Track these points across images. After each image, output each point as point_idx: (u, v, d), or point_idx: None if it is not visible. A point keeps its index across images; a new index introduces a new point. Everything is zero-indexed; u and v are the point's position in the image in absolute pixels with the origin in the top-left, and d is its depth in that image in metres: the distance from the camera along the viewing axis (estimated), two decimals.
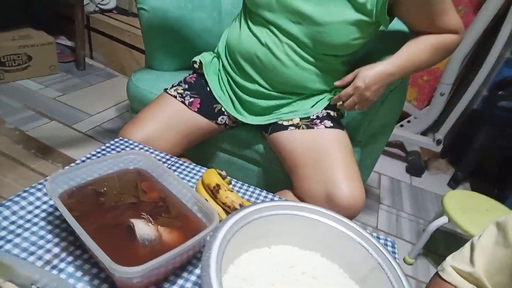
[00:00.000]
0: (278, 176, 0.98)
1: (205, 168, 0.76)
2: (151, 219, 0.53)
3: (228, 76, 0.91)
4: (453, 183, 1.88)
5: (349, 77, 0.82)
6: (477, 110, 1.90)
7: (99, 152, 0.73)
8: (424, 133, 1.98)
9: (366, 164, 1.13)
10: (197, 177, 0.74)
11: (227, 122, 0.93)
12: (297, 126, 0.85)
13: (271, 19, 0.80)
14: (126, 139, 0.79)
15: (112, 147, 0.76)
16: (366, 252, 0.51)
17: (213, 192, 0.63)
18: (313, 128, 0.84)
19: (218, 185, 0.63)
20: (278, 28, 0.80)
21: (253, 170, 1.04)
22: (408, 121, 1.98)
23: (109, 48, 2.08)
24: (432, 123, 1.92)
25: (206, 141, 0.97)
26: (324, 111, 0.88)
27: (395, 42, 0.86)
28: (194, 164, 0.77)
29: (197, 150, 0.99)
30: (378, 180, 1.79)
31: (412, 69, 0.80)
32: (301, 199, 0.81)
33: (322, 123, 0.84)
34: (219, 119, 0.91)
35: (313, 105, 0.88)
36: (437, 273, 0.54)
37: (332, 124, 0.85)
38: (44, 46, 1.82)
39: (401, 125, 1.99)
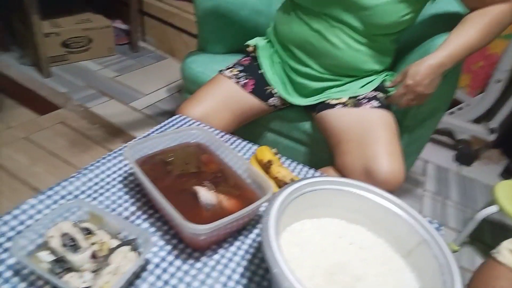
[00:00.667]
0: (322, 155, 1.01)
1: (256, 145, 0.81)
2: (212, 187, 0.60)
3: (280, 59, 0.94)
4: (506, 174, 1.79)
5: (398, 77, 0.82)
6: None
7: (161, 127, 0.80)
8: (476, 121, 1.89)
9: (412, 150, 1.12)
10: (248, 153, 0.79)
11: (277, 104, 0.97)
12: (344, 105, 0.87)
13: (320, 10, 0.82)
14: (184, 116, 0.86)
15: (172, 123, 0.83)
16: (412, 228, 0.53)
17: (266, 167, 0.68)
18: (359, 107, 0.86)
19: (270, 161, 0.68)
20: (328, 15, 0.82)
21: (298, 150, 1.08)
22: (460, 108, 1.89)
23: (160, 31, 2.18)
24: (485, 111, 1.82)
25: (255, 121, 1.02)
26: (372, 92, 0.89)
27: (445, 24, 0.84)
28: (246, 141, 0.83)
29: (246, 130, 1.04)
30: (424, 167, 1.75)
31: (464, 54, 0.78)
32: (342, 174, 0.84)
33: (370, 103, 0.86)
34: (270, 100, 0.95)
35: (363, 86, 0.90)
36: (490, 257, 0.55)
37: (379, 105, 0.86)
38: (103, 29, 1.95)
39: (451, 112, 1.91)
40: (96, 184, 0.62)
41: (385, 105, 0.88)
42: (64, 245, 0.46)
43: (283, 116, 1.03)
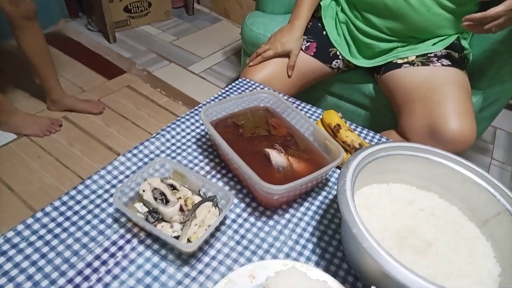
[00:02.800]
0: (384, 120, 0.98)
1: (319, 109, 0.81)
2: (282, 150, 0.62)
3: (347, 19, 0.90)
4: None
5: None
6: None
7: (227, 91, 0.83)
8: None
9: (485, 115, 1.05)
10: (314, 117, 0.79)
11: (340, 66, 0.95)
12: (411, 63, 0.83)
13: None
14: (248, 80, 0.88)
15: (237, 86, 0.85)
16: (492, 197, 0.52)
17: (334, 131, 0.68)
18: (428, 65, 0.81)
19: (338, 125, 0.68)
20: None
21: (359, 114, 1.06)
22: None
23: None
24: None
25: (316, 84, 1.01)
26: (444, 50, 0.83)
27: None
28: (310, 105, 0.83)
29: (306, 94, 1.04)
30: (493, 134, 1.63)
31: None
32: (403, 136, 0.81)
33: (440, 61, 0.81)
34: (334, 63, 0.93)
35: (434, 44, 0.84)
36: None
37: (450, 63, 0.80)
38: None
39: None
40: (173, 144, 0.67)
41: (458, 64, 0.81)
42: (155, 198, 0.51)
43: (345, 79, 1.00)
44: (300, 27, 0.87)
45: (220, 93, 0.81)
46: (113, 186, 0.58)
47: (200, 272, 0.48)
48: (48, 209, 0.52)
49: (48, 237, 0.49)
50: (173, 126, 0.70)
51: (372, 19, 0.84)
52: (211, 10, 2.24)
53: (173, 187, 0.54)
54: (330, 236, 0.55)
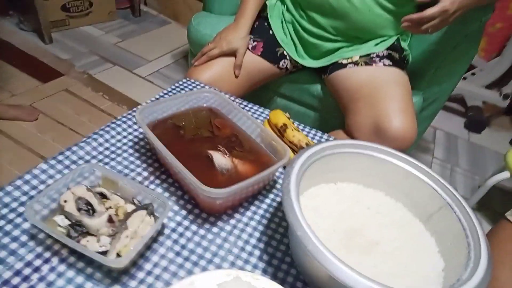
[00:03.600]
0: (332, 121, 0.98)
1: (267, 110, 0.79)
2: (226, 151, 0.58)
3: (293, 18, 0.89)
4: None
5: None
6: None
7: (170, 91, 0.77)
8: (489, 87, 1.84)
9: (425, 115, 1.09)
10: (261, 118, 0.77)
11: (288, 67, 0.94)
12: (356, 63, 0.84)
13: None
14: (193, 80, 0.83)
15: (181, 86, 0.80)
16: (434, 192, 0.52)
17: (280, 131, 0.66)
18: (371, 65, 0.83)
19: (285, 125, 0.66)
20: None
21: (309, 116, 1.06)
22: (473, 74, 1.84)
23: None
24: (499, 76, 1.76)
25: (264, 86, 0.99)
26: (386, 51, 0.85)
27: None
28: (258, 106, 0.80)
29: (256, 95, 1.01)
30: (434, 134, 1.72)
31: None
32: (350, 135, 0.82)
33: (381, 61, 0.83)
34: (281, 63, 0.92)
35: (376, 44, 0.86)
36: (505, 219, 0.54)
37: (391, 63, 0.82)
38: None
39: (464, 78, 1.85)
40: (106, 149, 0.60)
41: (398, 64, 0.84)
42: (80, 209, 0.45)
43: (293, 80, 0.99)
44: (246, 25, 0.85)
45: (162, 94, 0.76)
46: (31, 197, 0.50)
47: None
48: None
49: None
50: (107, 129, 0.64)
51: (317, 19, 0.83)
52: (159, 13, 2.17)
53: (102, 196, 0.48)
54: (278, 241, 0.52)
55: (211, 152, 0.57)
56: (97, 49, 1.71)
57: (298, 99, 1.03)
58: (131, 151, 0.61)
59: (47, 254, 0.44)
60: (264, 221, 0.55)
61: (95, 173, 0.50)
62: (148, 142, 0.63)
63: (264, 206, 0.57)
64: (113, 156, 0.60)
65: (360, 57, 0.84)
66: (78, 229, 0.44)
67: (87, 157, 0.58)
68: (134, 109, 0.65)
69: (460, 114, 1.92)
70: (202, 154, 0.58)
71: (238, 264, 0.48)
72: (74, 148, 0.58)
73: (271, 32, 0.91)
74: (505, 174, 1.15)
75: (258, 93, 1.01)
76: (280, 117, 0.67)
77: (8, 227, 0.46)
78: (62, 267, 0.43)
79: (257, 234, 0.53)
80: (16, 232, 0.45)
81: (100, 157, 0.59)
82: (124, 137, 0.64)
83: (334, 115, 0.95)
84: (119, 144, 0.62)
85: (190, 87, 0.81)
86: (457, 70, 0.99)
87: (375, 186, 0.57)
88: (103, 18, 1.93)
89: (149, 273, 0.45)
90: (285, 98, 1.05)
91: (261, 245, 0.51)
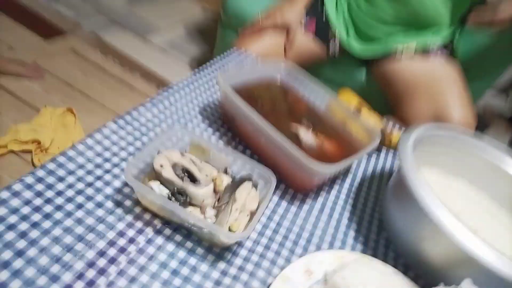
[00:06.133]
0: (376, 109, 0.96)
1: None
2: (311, 126, 0.54)
3: None
4: None
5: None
6: None
7: (220, 60, 0.71)
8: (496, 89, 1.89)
9: None
10: None
11: (336, 50, 0.90)
12: (411, 53, 0.82)
13: None
14: (243, 50, 0.77)
15: (232, 57, 0.74)
16: None
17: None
18: (428, 56, 0.81)
19: (359, 106, 0.62)
20: None
21: None
22: None
23: None
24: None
25: (307, 67, 0.94)
26: (441, 43, 0.83)
27: None
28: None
29: None
30: None
31: None
32: (405, 124, 0.81)
33: (437, 53, 0.81)
34: (331, 44, 0.88)
35: (433, 33, 0.84)
36: None
37: (447, 58, 0.82)
38: None
39: None
40: (173, 113, 0.55)
41: (452, 58, 0.83)
42: (178, 175, 0.39)
43: (337, 64, 0.96)
44: (303, 0, 0.80)
45: (213, 63, 0.69)
46: (106, 160, 0.44)
47: (241, 268, 0.38)
48: (17, 187, 0.37)
49: (24, 226, 0.35)
50: (165, 94, 0.57)
51: (377, 1, 0.80)
52: None
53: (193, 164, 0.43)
54: (368, 222, 0.50)
55: (296, 126, 0.53)
56: (104, 10, 1.58)
57: (340, 84, 0.99)
58: (200, 118, 0.56)
59: (139, 224, 0.39)
60: (350, 201, 0.52)
61: (184, 139, 0.45)
62: (221, 109, 0.58)
63: (346, 185, 0.54)
64: (182, 121, 0.54)
65: (416, 49, 0.82)
66: (180, 198, 0.38)
67: (156, 120, 0.52)
68: (193, 73, 0.59)
69: None
70: (284, 128, 0.53)
71: (336, 244, 0.45)
72: (141, 109, 0.52)
73: (324, 11, 0.86)
74: None
75: None
76: (352, 97, 0.64)
77: (90, 191, 0.40)
78: (160, 240, 0.38)
79: (347, 214, 0.50)
80: (99, 197, 0.40)
81: (169, 121, 0.53)
82: (186, 104, 0.58)
83: (376, 103, 0.92)
84: (186, 109, 0.56)
85: (240, 58, 0.75)
86: (493, 75, 0.99)
87: (459, 173, 0.56)
88: None
89: (251, 251, 0.41)
90: (326, 82, 1.01)
91: (354, 225, 0.48)
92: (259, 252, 0.41)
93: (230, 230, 0.37)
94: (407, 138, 0.46)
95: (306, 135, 0.52)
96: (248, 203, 0.40)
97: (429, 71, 0.80)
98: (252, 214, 0.40)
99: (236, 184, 0.41)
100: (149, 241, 0.38)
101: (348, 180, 0.55)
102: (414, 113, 0.78)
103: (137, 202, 0.40)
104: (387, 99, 0.89)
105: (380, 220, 0.50)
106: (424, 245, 0.43)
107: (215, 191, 0.40)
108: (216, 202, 0.40)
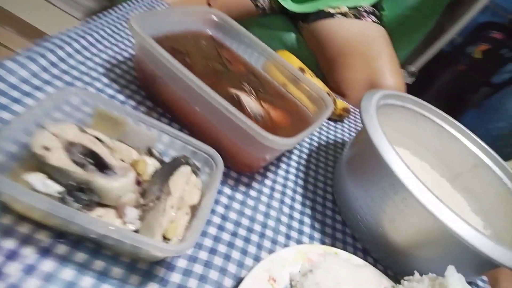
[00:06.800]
0: None
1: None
2: (253, 92, 0.44)
3: None
4: None
5: None
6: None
7: (124, 8, 0.55)
8: None
9: None
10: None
11: (265, 6, 0.80)
12: (344, 15, 0.78)
13: None
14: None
15: (139, 4, 0.59)
16: (468, 150, 0.50)
17: None
18: (360, 19, 0.78)
19: (302, 69, 0.54)
20: None
21: None
22: None
23: None
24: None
25: None
26: (372, 7, 0.82)
27: None
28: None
29: None
30: None
31: None
32: (338, 90, 0.78)
33: (369, 16, 0.79)
34: (260, 1, 0.78)
35: None
36: None
37: (377, 20, 0.81)
38: None
39: None
40: (65, 73, 0.38)
41: (381, 21, 0.82)
42: (77, 162, 0.26)
43: (264, 24, 0.86)
44: None
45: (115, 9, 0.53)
46: None
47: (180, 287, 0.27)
48: None
49: None
50: (49, 45, 0.40)
51: None
52: None
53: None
54: (322, 205, 0.43)
55: (236, 91, 0.42)
56: None
57: (267, 44, 0.91)
58: (104, 80, 0.41)
59: (8, 244, 0.24)
60: (300, 182, 0.44)
61: (84, 106, 0.30)
62: (137, 69, 0.43)
63: (294, 163, 0.46)
64: (78, 83, 0.38)
65: (349, 9, 0.78)
66: (82, 196, 0.25)
67: (31, 83, 0.35)
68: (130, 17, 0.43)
69: None
70: (222, 92, 0.42)
71: (293, 236, 0.37)
72: (11, 65, 0.35)
73: None
74: None
75: None
76: (293, 60, 0.56)
77: None
78: (48, 265, 0.25)
79: (299, 198, 0.42)
80: None
81: (53, 86, 0.37)
82: (88, 58, 0.42)
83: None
84: (80, 70, 0.40)
85: (152, 5, 0.60)
86: (413, 40, 1.02)
87: (405, 146, 0.53)
88: None
89: (192, 260, 0.30)
90: None
91: (308, 211, 0.41)
92: (203, 261, 0.30)
93: (164, 238, 0.26)
94: (368, 104, 0.40)
95: (250, 103, 0.42)
96: (186, 195, 0.29)
97: (362, 34, 0.78)
98: (194, 210, 0.28)
99: (167, 170, 0.28)
100: (29, 270, 0.24)
101: (295, 157, 0.47)
102: (348, 80, 0.75)
103: (4, 208, 0.25)
104: (319, 65, 0.84)
105: (334, 201, 0.44)
106: (393, 226, 0.38)
107: (137, 182, 0.27)
108: (141, 199, 0.27)
